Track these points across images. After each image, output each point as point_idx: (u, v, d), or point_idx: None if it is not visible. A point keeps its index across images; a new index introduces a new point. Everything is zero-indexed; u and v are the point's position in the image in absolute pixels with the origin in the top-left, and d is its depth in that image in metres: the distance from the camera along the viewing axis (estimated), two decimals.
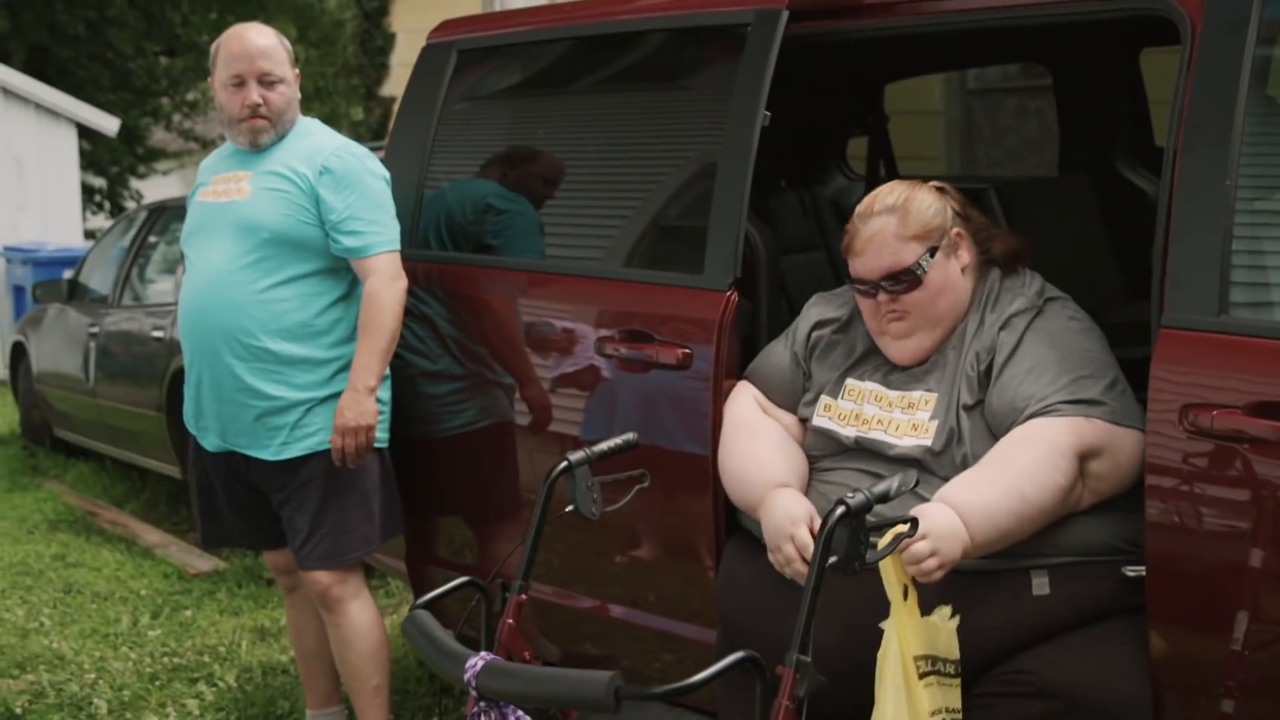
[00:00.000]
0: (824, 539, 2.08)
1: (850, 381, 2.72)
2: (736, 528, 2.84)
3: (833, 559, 2.10)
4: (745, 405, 2.84)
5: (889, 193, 2.66)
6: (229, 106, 3.40)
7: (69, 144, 12.41)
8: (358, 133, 13.99)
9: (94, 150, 15.14)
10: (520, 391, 3.41)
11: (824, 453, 2.73)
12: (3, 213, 11.86)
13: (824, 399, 2.73)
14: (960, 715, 2.24)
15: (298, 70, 3.49)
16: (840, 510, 2.10)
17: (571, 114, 3.60)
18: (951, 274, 2.62)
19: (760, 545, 2.66)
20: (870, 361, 2.73)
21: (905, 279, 2.59)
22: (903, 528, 2.18)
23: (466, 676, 2.11)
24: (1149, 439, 2.39)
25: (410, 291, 3.44)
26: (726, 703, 2.66)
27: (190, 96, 18.28)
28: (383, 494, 3.48)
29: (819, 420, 2.72)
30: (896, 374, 2.68)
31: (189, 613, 5.21)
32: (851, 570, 2.11)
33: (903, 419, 2.60)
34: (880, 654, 2.20)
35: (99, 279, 7.81)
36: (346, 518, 3.41)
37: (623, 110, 3.49)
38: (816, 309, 2.87)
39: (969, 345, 2.60)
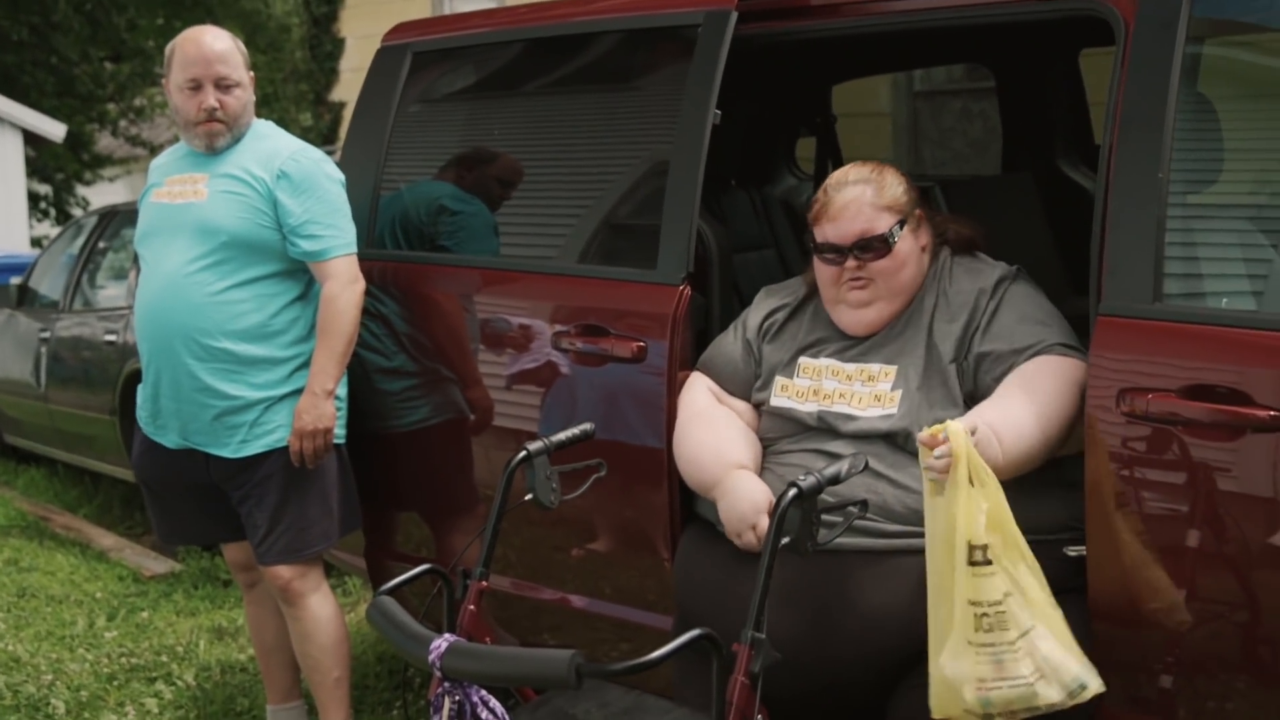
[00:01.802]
0: (777, 520, 2.15)
1: (804, 360, 2.78)
2: (693, 516, 2.91)
3: (786, 539, 2.16)
4: (699, 394, 2.90)
5: (861, 166, 2.78)
6: (185, 110, 3.42)
7: (14, 150, 12.31)
8: (307, 138, 13.91)
9: (39, 157, 15.00)
10: (466, 391, 3.47)
11: (781, 434, 2.78)
12: None
13: (779, 379, 2.79)
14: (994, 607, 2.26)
15: (253, 73, 3.52)
16: (793, 492, 2.16)
17: (526, 114, 3.66)
18: (914, 249, 2.73)
19: (717, 533, 2.72)
20: (823, 340, 2.80)
21: (877, 246, 2.68)
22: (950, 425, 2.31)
23: (431, 658, 2.15)
24: (1088, 423, 2.47)
25: (367, 291, 3.49)
26: (681, 683, 2.71)
27: (137, 102, 18.12)
28: (341, 489, 3.52)
29: (777, 400, 2.78)
30: (851, 349, 2.75)
31: (145, 614, 5.21)
32: (805, 550, 2.18)
33: (864, 391, 2.68)
34: (931, 534, 2.30)
35: (49, 285, 7.76)
36: (306, 513, 3.45)
37: (576, 110, 3.55)
38: (766, 300, 2.95)
39: (931, 318, 2.70)
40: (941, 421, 2.36)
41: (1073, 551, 2.55)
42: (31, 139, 12.71)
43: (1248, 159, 2.69)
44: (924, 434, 2.34)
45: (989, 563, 2.22)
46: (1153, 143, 2.45)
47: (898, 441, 2.61)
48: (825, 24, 3.11)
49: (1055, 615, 2.28)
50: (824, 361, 2.76)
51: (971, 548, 2.22)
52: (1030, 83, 4.56)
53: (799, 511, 2.16)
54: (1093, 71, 4.57)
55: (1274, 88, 2.70)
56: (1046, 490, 2.57)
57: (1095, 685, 2.28)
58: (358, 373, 3.58)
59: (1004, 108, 4.75)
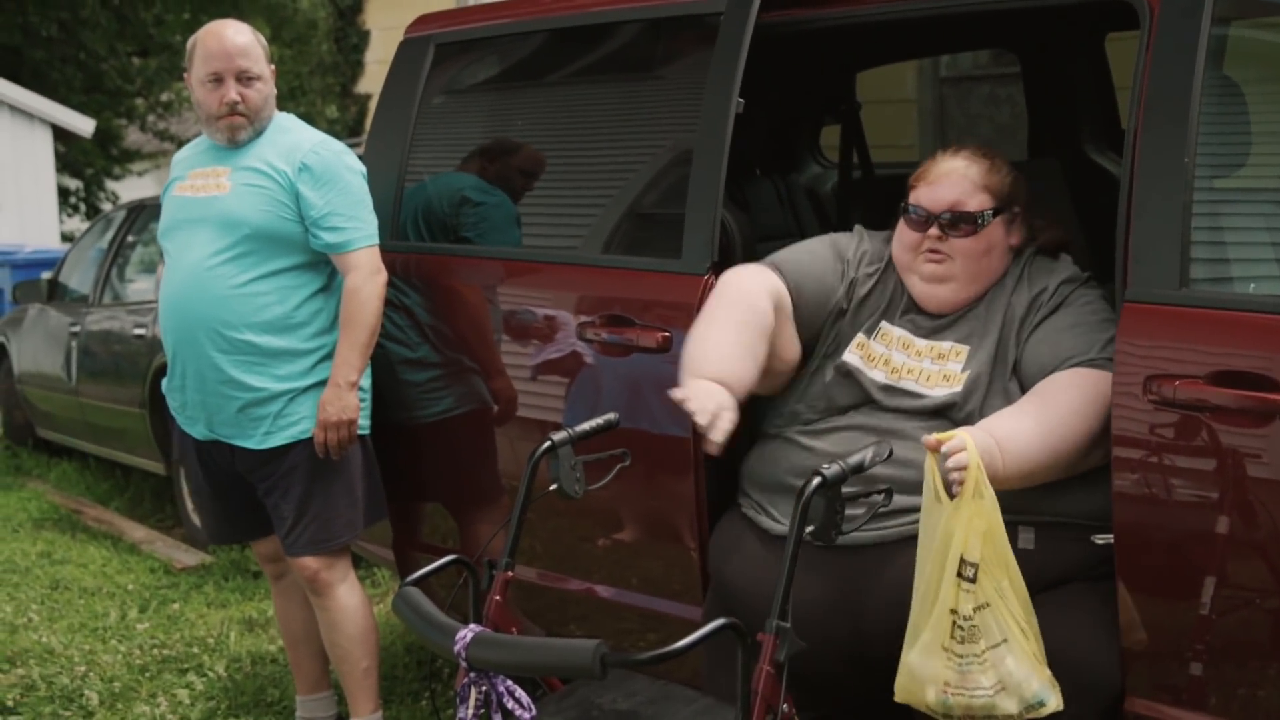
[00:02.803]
0: (801, 509, 2.15)
1: (884, 325, 2.73)
2: (731, 504, 2.90)
3: (810, 528, 2.16)
4: (749, 280, 2.72)
5: (977, 146, 2.75)
6: (207, 103, 3.44)
7: (44, 146, 12.41)
8: (333, 130, 13.98)
9: (69, 152, 15.11)
10: (490, 382, 3.48)
11: (837, 404, 2.69)
12: None
13: (859, 336, 2.72)
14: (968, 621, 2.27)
15: (274, 66, 3.53)
16: (816, 480, 2.16)
17: (549, 105, 3.66)
18: (1002, 242, 2.67)
19: (748, 524, 2.73)
20: (900, 306, 2.74)
21: (964, 222, 2.63)
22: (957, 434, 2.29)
23: (457, 648, 2.16)
24: (1114, 410, 2.46)
25: (390, 282, 3.50)
26: (711, 674, 2.72)
27: (164, 97, 18.21)
28: (366, 480, 3.54)
29: (849, 357, 2.70)
30: (925, 322, 2.70)
31: (176, 606, 5.25)
32: (829, 539, 2.18)
33: (933, 369, 2.63)
34: (925, 535, 2.29)
35: (79, 279, 7.82)
36: (331, 504, 3.47)
37: (600, 100, 3.55)
38: (866, 243, 2.84)
39: (1007, 303, 2.65)
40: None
41: (1100, 539, 2.54)
42: (61, 134, 12.80)
43: (1274, 142, 2.66)
44: (932, 438, 2.31)
45: (975, 580, 2.25)
46: (1178, 127, 2.43)
47: (954, 418, 2.59)
48: (849, 10, 3.10)
49: (1029, 631, 2.31)
50: (898, 331, 2.70)
51: (963, 562, 2.24)
52: (1056, 68, 4.52)
53: (823, 500, 2.16)
54: (1118, 56, 4.54)
55: None
56: (1104, 477, 2.51)
57: (1054, 703, 2.32)
58: (382, 364, 3.60)
59: (1029, 93, 4.71)
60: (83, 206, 17.54)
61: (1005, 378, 2.60)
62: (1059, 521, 2.55)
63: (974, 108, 7.96)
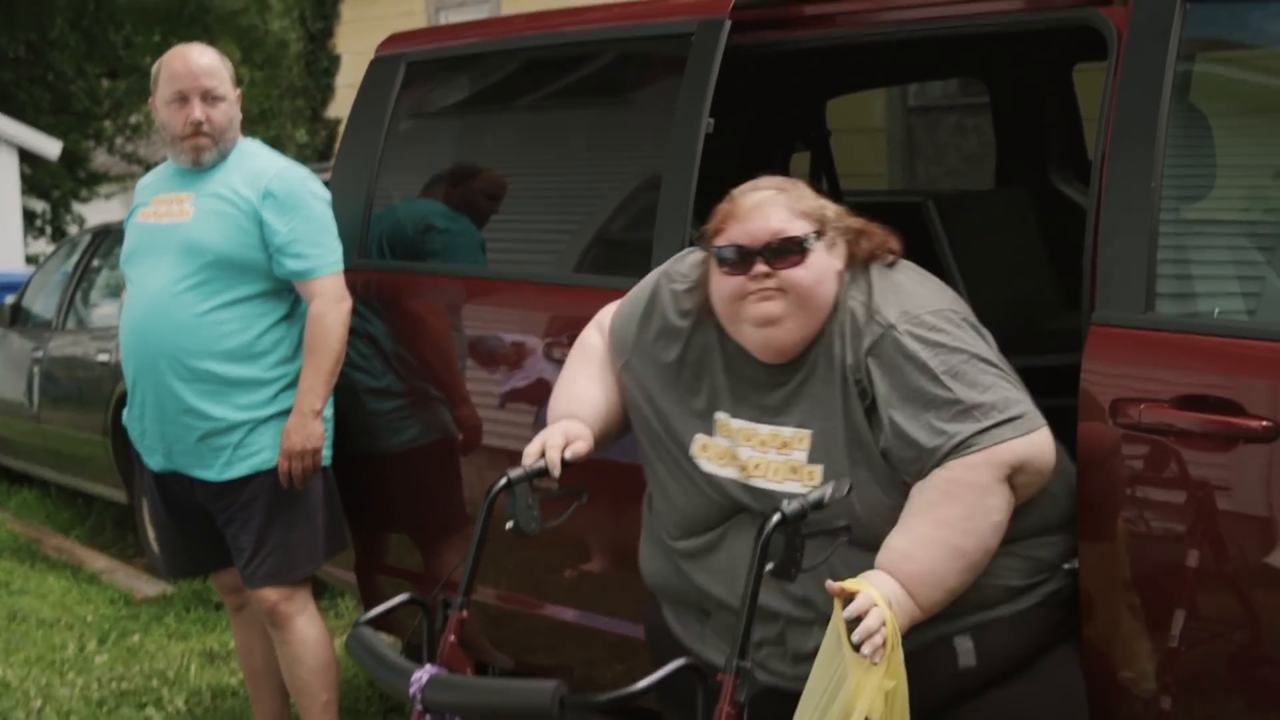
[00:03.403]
0: (761, 547, 2.11)
1: (720, 415, 2.45)
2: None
3: (770, 566, 2.13)
4: (593, 332, 2.71)
5: (771, 177, 2.49)
6: (171, 124, 3.41)
7: (9, 168, 12.32)
8: (303, 154, 13.92)
9: (35, 174, 15.01)
10: (455, 410, 3.45)
11: (704, 522, 2.46)
12: None
13: (699, 437, 2.46)
14: None
15: (240, 90, 3.51)
16: (776, 518, 2.11)
17: (520, 126, 3.66)
18: (829, 268, 2.37)
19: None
20: (732, 383, 2.45)
21: (792, 250, 2.33)
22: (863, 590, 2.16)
23: (412, 690, 2.13)
24: (1081, 433, 2.45)
25: (355, 309, 3.46)
26: (669, 711, 2.66)
27: (133, 119, 18.14)
28: (326, 511, 3.50)
29: (703, 463, 2.45)
30: (761, 404, 2.41)
31: (136, 638, 5.17)
32: (790, 577, 2.14)
33: (779, 460, 2.37)
34: (822, 682, 2.15)
35: (42, 304, 7.74)
36: (291, 535, 3.43)
37: (570, 121, 3.55)
38: (668, 293, 2.56)
39: (843, 366, 2.35)
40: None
41: (1068, 565, 2.53)
42: (27, 156, 12.70)
43: (1239, 173, 2.68)
44: (836, 586, 2.14)
45: None
46: (1145, 154, 2.44)
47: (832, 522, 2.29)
48: (819, 34, 3.11)
49: None
50: (737, 423, 2.42)
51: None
52: (1024, 97, 4.55)
53: (783, 538, 2.13)
54: (1085, 87, 4.57)
55: (1265, 103, 2.69)
56: (1015, 544, 2.36)
57: None
58: (345, 393, 3.56)
59: (998, 122, 4.74)
60: (49, 229, 17.42)
61: (869, 455, 2.32)
62: (993, 618, 2.37)
63: (942, 137, 8.01)
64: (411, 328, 3.58)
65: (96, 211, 18.06)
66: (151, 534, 5.98)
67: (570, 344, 3.12)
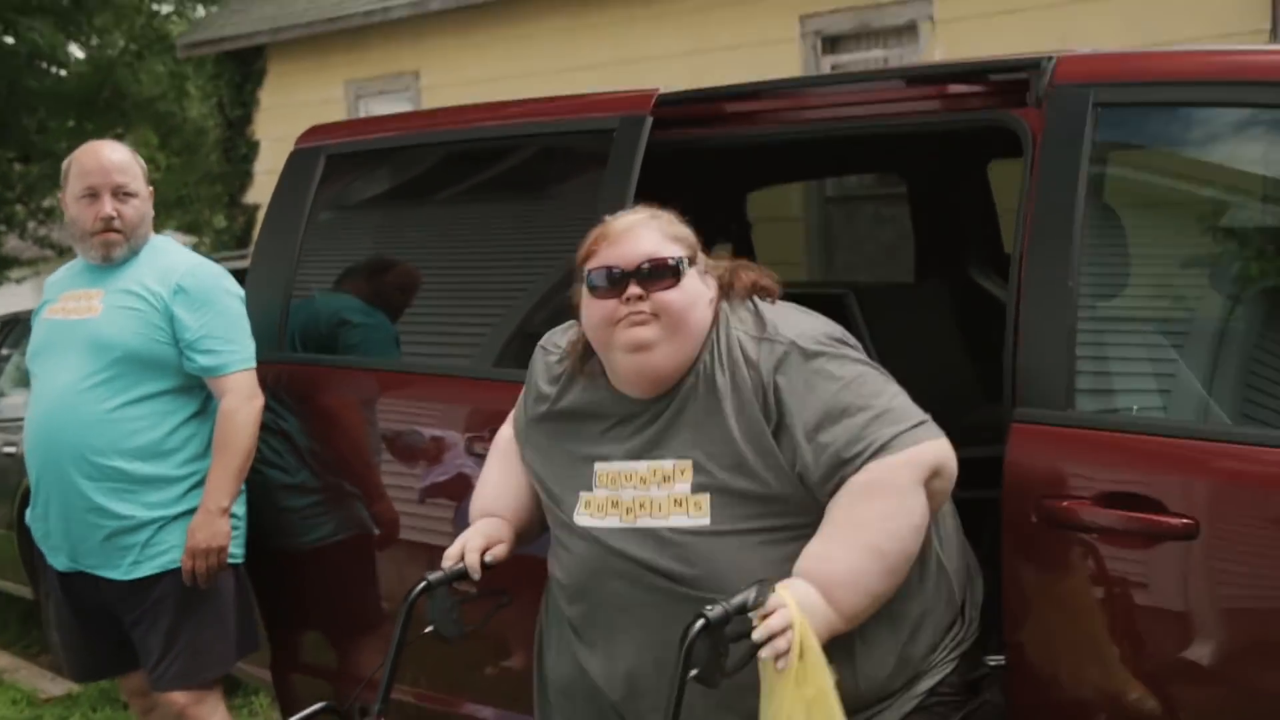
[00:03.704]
0: (685, 652, 2.06)
1: (599, 466, 2.37)
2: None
3: (694, 671, 2.08)
4: (506, 426, 2.68)
5: (641, 206, 2.45)
6: (81, 220, 3.36)
7: None
8: (221, 240, 13.81)
9: None
10: (371, 506, 3.40)
11: (588, 594, 2.36)
12: None
13: (582, 495, 2.38)
14: None
15: (151, 187, 3.48)
16: (699, 623, 2.05)
17: (441, 219, 3.65)
18: (703, 294, 2.32)
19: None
20: (606, 428, 2.38)
21: (666, 272, 2.27)
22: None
23: None
24: (1005, 528, 2.46)
25: (268, 405, 3.41)
26: None
27: (46, 203, 17.89)
28: (238, 610, 3.42)
29: (581, 519, 2.37)
30: (637, 438, 2.34)
31: None
32: (714, 682, 2.08)
33: (661, 495, 2.28)
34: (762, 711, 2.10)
35: None
36: (201, 636, 3.34)
37: (492, 215, 3.55)
38: (541, 359, 2.55)
39: (718, 390, 2.28)
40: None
41: (991, 661, 2.53)
42: None
43: (1150, 269, 2.73)
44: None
45: None
46: (1062, 252, 2.48)
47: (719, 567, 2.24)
48: (740, 131, 3.14)
49: None
50: (616, 465, 2.33)
51: None
52: (942, 192, 4.64)
53: (707, 642, 2.07)
54: (1001, 180, 4.67)
55: (1171, 201, 2.75)
56: (887, 637, 2.31)
57: None
58: (258, 489, 3.49)
59: (915, 216, 4.83)
60: None
61: (753, 477, 2.24)
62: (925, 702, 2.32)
63: (859, 228, 8.13)
64: (325, 422, 3.53)
65: (6, 296, 17.73)
66: (55, 635, 5.80)
67: (491, 438, 3.11)
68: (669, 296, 2.27)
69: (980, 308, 4.49)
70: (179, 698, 3.34)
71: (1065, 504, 2.39)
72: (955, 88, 2.90)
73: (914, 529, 2.20)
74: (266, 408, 3.39)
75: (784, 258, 7.47)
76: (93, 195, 3.34)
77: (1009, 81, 2.75)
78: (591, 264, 2.33)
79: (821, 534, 2.20)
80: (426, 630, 2.50)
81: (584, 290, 2.35)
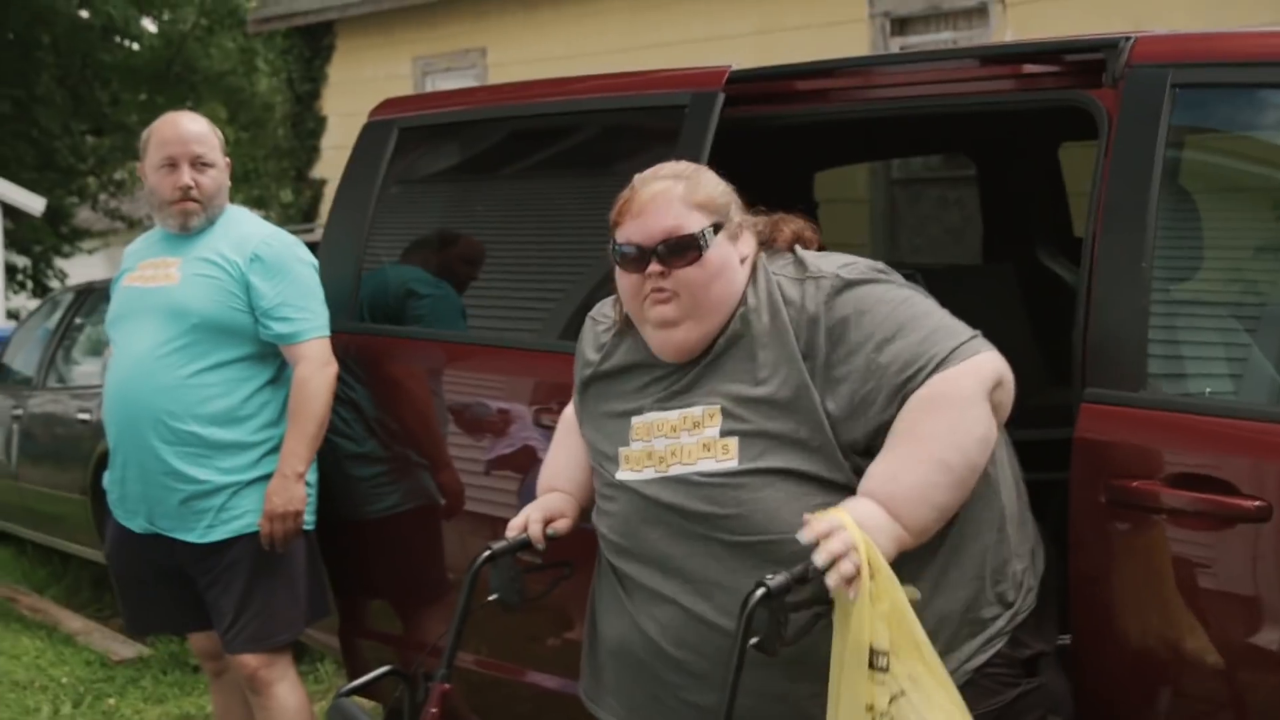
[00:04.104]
0: (745, 620, 2.06)
1: (635, 420, 2.37)
2: None
3: (754, 640, 2.07)
4: (570, 407, 2.68)
5: (673, 165, 2.40)
6: (160, 189, 3.42)
7: None
8: (287, 214, 13.95)
9: (17, 229, 14.99)
10: (436, 476, 3.44)
11: (631, 544, 2.35)
12: None
13: (621, 450, 2.38)
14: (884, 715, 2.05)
15: (228, 158, 3.53)
16: (760, 592, 2.05)
17: (509, 193, 3.67)
18: (730, 259, 2.29)
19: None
20: (644, 385, 2.39)
21: (686, 248, 2.26)
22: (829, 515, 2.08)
23: None
24: (1073, 510, 2.45)
25: (339, 375, 3.46)
26: None
27: (117, 175, 18.18)
28: (309, 576, 3.48)
29: (620, 474, 2.36)
30: (670, 390, 2.34)
31: (112, 701, 5.10)
32: (774, 651, 2.07)
33: (691, 442, 2.28)
34: (838, 641, 2.08)
35: (23, 361, 7.70)
36: (273, 600, 3.40)
37: (559, 189, 3.57)
38: (598, 317, 2.58)
39: (756, 337, 2.27)
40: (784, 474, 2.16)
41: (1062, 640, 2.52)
42: (10, 211, 12.68)
43: (1225, 251, 2.71)
44: (808, 529, 2.06)
45: (887, 669, 2.05)
46: (1136, 234, 2.47)
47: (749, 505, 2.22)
48: (812, 109, 3.14)
49: (956, 713, 2.10)
50: (649, 416, 2.34)
51: (873, 652, 2.05)
52: (1011, 173, 4.61)
53: (766, 611, 2.06)
54: (1070, 163, 4.63)
55: (1248, 185, 2.73)
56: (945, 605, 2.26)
57: None
58: (328, 459, 3.55)
59: (984, 198, 4.79)
60: (30, 284, 17.39)
61: (789, 417, 2.21)
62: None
63: (925, 209, 8.08)
64: (393, 393, 3.58)
65: (78, 267, 18.04)
66: (116, 589, 5.92)
67: (560, 410, 3.14)
68: (690, 274, 2.26)
69: (1048, 291, 4.46)
70: (250, 660, 3.40)
71: (1135, 485, 2.38)
72: (1030, 67, 2.89)
73: (978, 440, 2.16)
74: (336, 377, 3.44)
75: (848, 240, 7.44)
76: (171, 165, 3.40)
77: (1085, 62, 2.73)
78: (618, 235, 2.33)
79: (885, 451, 2.17)
80: (490, 599, 2.54)
81: (612, 252, 2.36)
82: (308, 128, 13.37)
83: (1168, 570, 2.37)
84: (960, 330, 2.23)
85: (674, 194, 2.29)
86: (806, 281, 2.28)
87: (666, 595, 2.30)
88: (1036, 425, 3.69)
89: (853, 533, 2.02)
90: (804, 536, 2.04)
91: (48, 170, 16.45)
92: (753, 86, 3.13)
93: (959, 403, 2.15)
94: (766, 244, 2.38)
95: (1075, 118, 2.76)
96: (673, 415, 2.31)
